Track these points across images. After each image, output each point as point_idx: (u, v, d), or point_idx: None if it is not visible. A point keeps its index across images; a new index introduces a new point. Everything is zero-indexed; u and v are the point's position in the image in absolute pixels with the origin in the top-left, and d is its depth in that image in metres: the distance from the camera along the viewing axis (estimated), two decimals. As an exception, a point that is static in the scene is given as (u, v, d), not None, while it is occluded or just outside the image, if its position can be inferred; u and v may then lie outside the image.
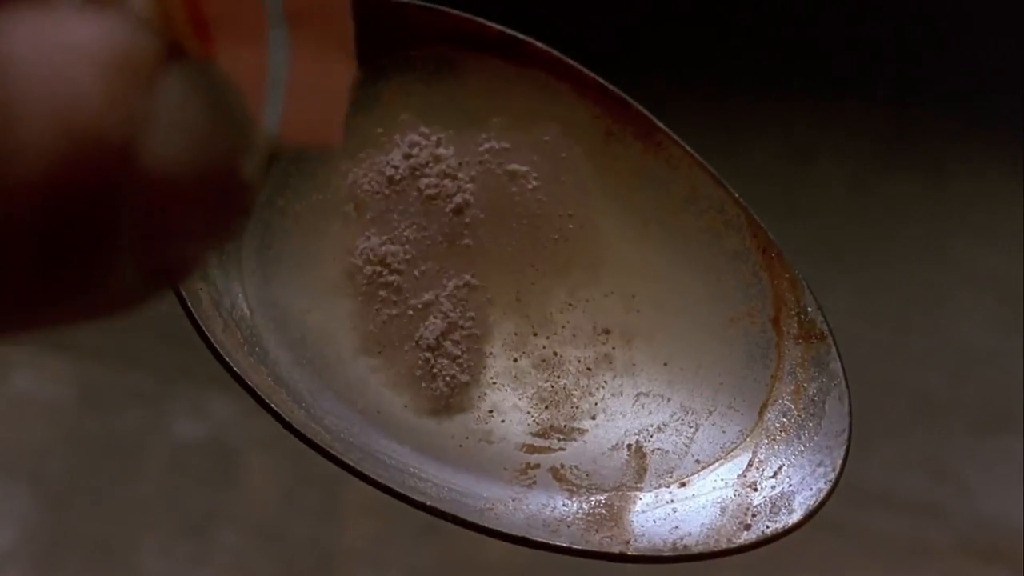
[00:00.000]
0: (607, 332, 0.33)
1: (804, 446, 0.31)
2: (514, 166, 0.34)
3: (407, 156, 0.33)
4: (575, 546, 0.29)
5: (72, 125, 0.13)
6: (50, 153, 0.13)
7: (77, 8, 0.14)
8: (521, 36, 0.33)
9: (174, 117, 0.14)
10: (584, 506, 0.30)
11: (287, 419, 0.29)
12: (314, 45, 0.18)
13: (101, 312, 0.15)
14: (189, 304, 0.29)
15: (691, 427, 0.32)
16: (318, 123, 0.18)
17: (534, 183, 0.34)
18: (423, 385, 0.32)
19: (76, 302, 0.14)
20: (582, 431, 0.32)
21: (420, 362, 0.32)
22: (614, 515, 0.30)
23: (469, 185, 0.33)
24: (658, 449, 0.32)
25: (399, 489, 0.29)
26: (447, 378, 0.32)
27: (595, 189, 0.34)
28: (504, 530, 0.29)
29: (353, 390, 0.32)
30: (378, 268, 0.33)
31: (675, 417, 0.32)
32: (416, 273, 0.33)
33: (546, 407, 0.32)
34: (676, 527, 0.30)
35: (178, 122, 0.14)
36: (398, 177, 0.33)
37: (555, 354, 0.33)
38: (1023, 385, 0.74)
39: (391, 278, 0.32)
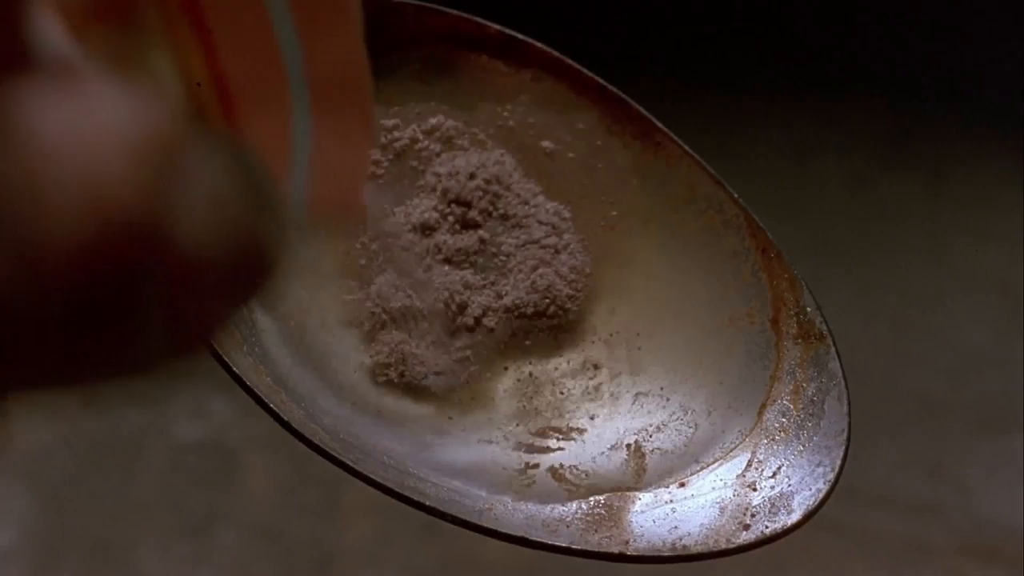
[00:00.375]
0: (596, 367, 0.33)
1: (803, 446, 0.31)
2: (547, 143, 0.34)
3: (414, 139, 0.33)
4: (574, 546, 0.29)
5: (100, 204, 0.14)
6: (78, 231, 0.14)
7: (106, 85, 0.15)
8: (520, 36, 0.33)
9: (201, 192, 0.15)
10: (583, 506, 0.30)
11: (286, 419, 0.29)
12: (334, 115, 0.18)
13: (132, 373, 0.15)
14: (188, 304, 0.29)
15: (690, 427, 0.32)
16: (341, 188, 0.19)
17: (570, 164, 0.34)
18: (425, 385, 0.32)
19: (107, 365, 0.15)
20: (581, 431, 0.32)
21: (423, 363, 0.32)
22: (613, 515, 0.30)
23: (493, 151, 0.34)
24: (657, 449, 0.32)
25: (398, 489, 0.29)
26: (449, 378, 0.32)
27: (632, 180, 0.34)
28: (503, 530, 0.29)
29: (353, 390, 0.32)
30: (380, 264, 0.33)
31: (674, 417, 0.32)
32: (422, 268, 0.33)
33: (546, 409, 0.32)
34: (675, 527, 0.30)
35: (205, 196, 0.15)
36: (400, 150, 0.33)
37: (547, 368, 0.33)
38: (1022, 385, 0.74)
39: (395, 277, 0.32)
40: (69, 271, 0.14)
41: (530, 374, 0.33)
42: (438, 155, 0.34)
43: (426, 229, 0.33)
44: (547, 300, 0.33)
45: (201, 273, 0.15)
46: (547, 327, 0.33)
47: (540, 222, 0.34)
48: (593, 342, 0.33)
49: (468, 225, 0.33)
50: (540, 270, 0.33)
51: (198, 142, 0.15)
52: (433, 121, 0.34)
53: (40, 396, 0.15)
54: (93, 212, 0.14)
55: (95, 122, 0.14)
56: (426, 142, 0.34)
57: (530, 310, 0.33)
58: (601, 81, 0.33)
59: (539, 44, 0.33)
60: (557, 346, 0.33)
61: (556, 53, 0.33)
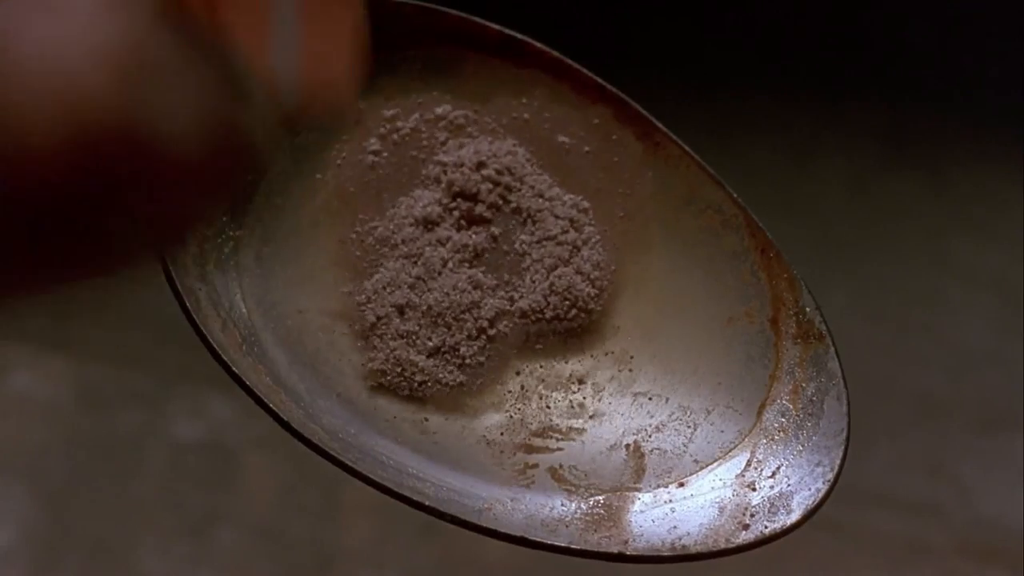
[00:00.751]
0: (581, 382, 0.33)
1: (802, 446, 0.31)
2: (562, 137, 0.34)
3: (418, 131, 0.33)
4: (574, 546, 0.29)
5: (74, 107, 0.14)
6: (52, 133, 0.14)
7: None
8: (520, 36, 0.33)
9: (179, 91, 0.15)
10: (583, 506, 0.30)
11: (285, 419, 0.29)
12: (321, 5, 0.18)
13: (108, 269, 0.16)
14: (188, 304, 0.29)
15: (689, 427, 0.32)
16: (330, 79, 0.19)
17: (586, 158, 0.34)
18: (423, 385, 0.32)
19: (81, 262, 0.15)
20: (580, 431, 0.32)
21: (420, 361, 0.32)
22: (612, 515, 0.30)
23: (508, 143, 0.33)
24: (656, 449, 0.32)
25: (397, 489, 0.29)
26: (456, 389, 0.32)
27: (648, 172, 0.33)
28: (503, 530, 0.29)
29: (351, 389, 0.32)
30: (376, 258, 0.32)
31: (673, 417, 0.32)
32: (421, 264, 0.32)
33: (552, 412, 0.32)
34: (674, 527, 0.30)
35: (183, 95, 0.15)
36: (401, 140, 0.33)
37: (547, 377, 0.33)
38: (1022, 385, 0.74)
39: (396, 272, 0.32)
40: (44, 168, 0.14)
41: (540, 378, 0.33)
42: (443, 144, 0.34)
43: (428, 224, 0.33)
44: (567, 303, 0.32)
45: (175, 162, 0.15)
46: (564, 329, 0.33)
47: (557, 216, 0.33)
48: (604, 345, 0.33)
49: (475, 221, 0.33)
50: (559, 270, 0.33)
51: (175, 42, 0.15)
52: (439, 110, 0.33)
53: (18, 299, 0.15)
54: (65, 111, 0.14)
55: (66, 29, 0.14)
56: (430, 131, 0.33)
57: (548, 314, 0.32)
58: (601, 81, 0.33)
59: (539, 44, 0.33)
60: (568, 348, 0.33)
61: (556, 53, 0.33)
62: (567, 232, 0.33)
